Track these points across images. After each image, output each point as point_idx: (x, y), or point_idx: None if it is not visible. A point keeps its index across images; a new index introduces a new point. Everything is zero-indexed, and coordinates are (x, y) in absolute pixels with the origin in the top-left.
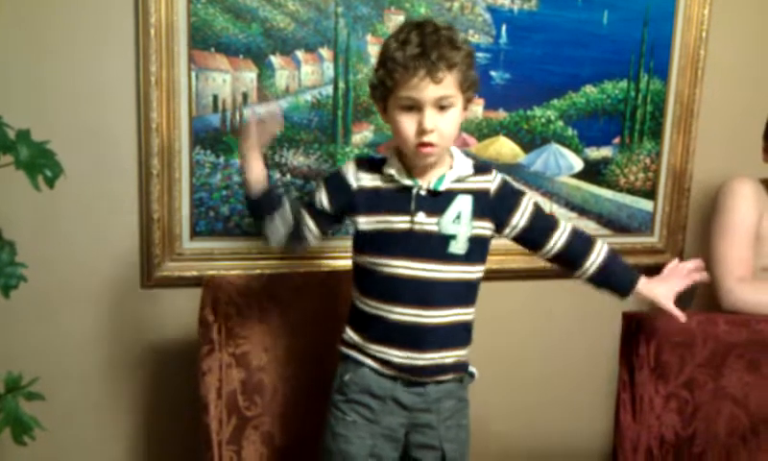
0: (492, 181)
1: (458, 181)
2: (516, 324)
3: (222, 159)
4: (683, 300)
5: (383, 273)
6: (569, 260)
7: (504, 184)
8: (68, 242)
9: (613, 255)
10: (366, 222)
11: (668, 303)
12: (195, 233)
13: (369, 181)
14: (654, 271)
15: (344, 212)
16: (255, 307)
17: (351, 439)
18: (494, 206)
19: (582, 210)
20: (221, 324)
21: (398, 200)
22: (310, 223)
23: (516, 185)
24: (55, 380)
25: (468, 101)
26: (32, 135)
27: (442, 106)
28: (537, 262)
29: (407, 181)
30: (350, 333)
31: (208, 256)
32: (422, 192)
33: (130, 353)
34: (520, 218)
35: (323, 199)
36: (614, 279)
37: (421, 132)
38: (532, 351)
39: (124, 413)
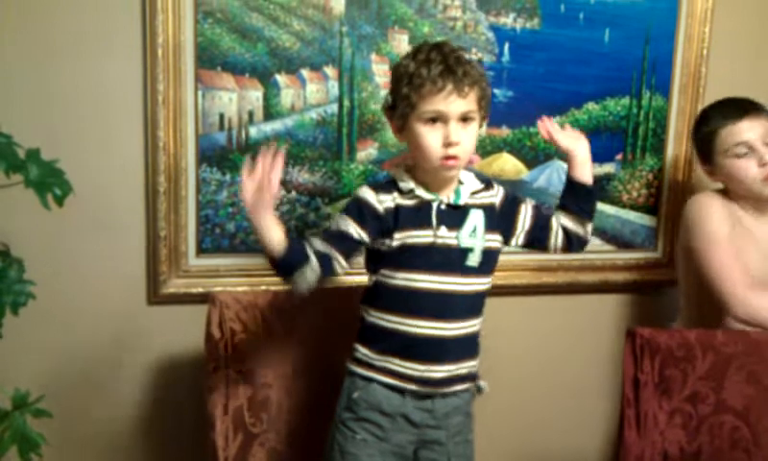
0: (496, 196)
1: (471, 195)
2: (519, 339)
3: (228, 177)
4: None
5: (403, 287)
6: (571, 245)
7: (505, 196)
8: (75, 259)
9: (568, 210)
10: (391, 240)
11: (583, 143)
12: (201, 250)
13: (390, 201)
14: (657, 286)
15: (377, 237)
16: (261, 324)
17: (361, 457)
18: (500, 218)
19: None
20: (227, 340)
21: (420, 214)
22: (342, 260)
23: (515, 193)
24: (61, 397)
25: (483, 118)
26: (41, 154)
27: (464, 119)
28: (541, 278)
29: (429, 195)
30: (364, 350)
31: (214, 273)
32: (443, 206)
33: (136, 370)
34: (523, 221)
35: (359, 231)
36: (586, 206)
37: (447, 144)
38: (534, 365)
39: (130, 429)
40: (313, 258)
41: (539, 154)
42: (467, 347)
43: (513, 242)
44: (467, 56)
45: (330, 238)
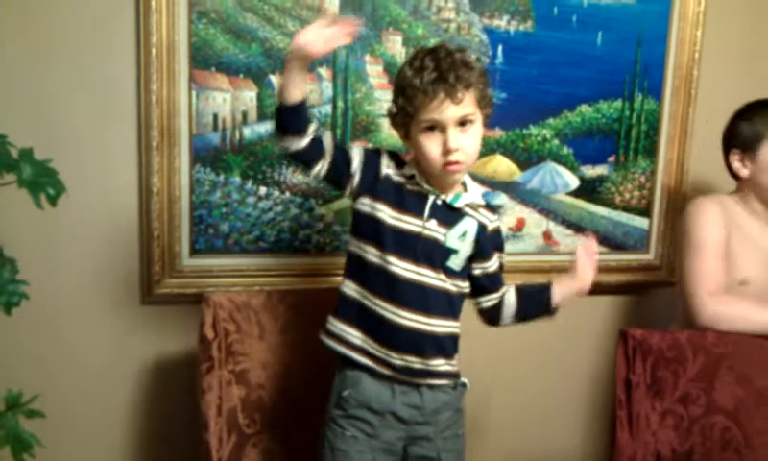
0: (493, 222)
1: (470, 206)
2: (511, 340)
3: (222, 177)
4: None
5: (387, 271)
6: (491, 317)
7: (499, 231)
8: (69, 259)
9: (521, 295)
10: (389, 215)
11: (585, 287)
12: (194, 251)
13: (394, 175)
14: (650, 288)
15: (361, 192)
16: (255, 324)
17: (351, 454)
18: (486, 242)
19: (578, 228)
20: (221, 341)
21: (416, 202)
22: (327, 164)
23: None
24: (55, 397)
25: (486, 117)
26: (34, 153)
27: (463, 123)
28: (534, 279)
29: (427, 187)
30: (340, 325)
31: (208, 274)
32: (438, 201)
33: (130, 371)
34: (493, 264)
35: (358, 166)
36: (531, 312)
37: (447, 151)
38: (526, 366)
39: (124, 430)
40: (310, 133)
41: (532, 155)
42: (445, 345)
43: (474, 267)
44: (464, 57)
45: (337, 146)
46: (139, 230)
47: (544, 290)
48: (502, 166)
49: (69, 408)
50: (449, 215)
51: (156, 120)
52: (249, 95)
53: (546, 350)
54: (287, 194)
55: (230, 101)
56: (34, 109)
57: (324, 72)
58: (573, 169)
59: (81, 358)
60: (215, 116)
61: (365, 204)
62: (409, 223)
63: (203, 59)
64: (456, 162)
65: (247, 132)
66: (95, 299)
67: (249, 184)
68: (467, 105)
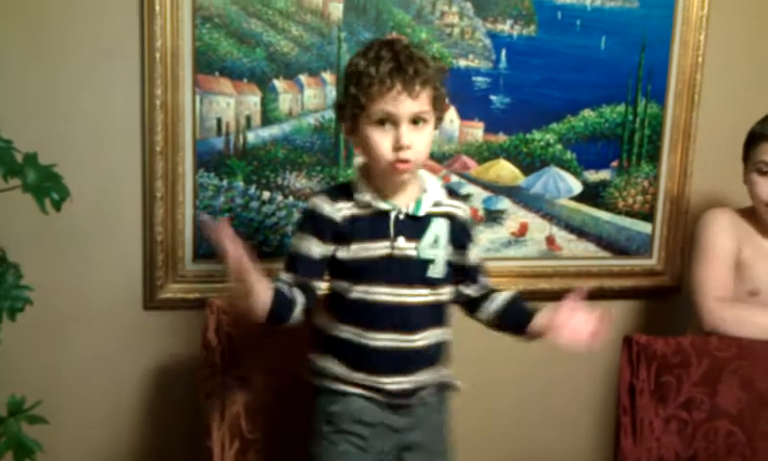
0: (462, 208)
1: (435, 204)
2: (515, 345)
3: (225, 182)
4: None
5: (363, 300)
6: (471, 304)
7: (470, 218)
8: (72, 264)
9: (510, 300)
10: (347, 250)
11: (560, 336)
12: (197, 255)
13: (346, 209)
14: (653, 293)
15: (336, 250)
16: (258, 330)
17: None
18: (460, 233)
19: (581, 233)
20: (224, 346)
21: (377, 225)
22: (319, 284)
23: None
24: (57, 402)
25: (438, 120)
26: (38, 158)
27: (416, 121)
28: (537, 284)
29: (385, 206)
30: (329, 364)
31: (211, 278)
32: (401, 216)
33: (132, 375)
34: (470, 253)
35: (318, 248)
36: (510, 320)
37: (398, 148)
38: (529, 372)
39: (126, 435)
40: (299, 303)
41: (535, 160)
42: (434, 357)
43: (453, 262)
44: (422, 54)
45: (300, 268)
46: (142, 235)
47: (532, 312)
48: (505, 171)
49: (72, 414)
50: (415, 226)
51: (160, 125)
52: (253, 99)
53: (549, 355)
54: (290, 198)
55: (234, 105)
56: (38, 114)
57: (328, 76)
58: (576, 174)
59: (84, 363)
60: (219, 121)
61: (339, 255)
62: (375, 249)
63: (206, 63)
64: (406, 160)
65: (251, 136)
66: (98, 304)
67: (252, 189)
68: (423, 102)
